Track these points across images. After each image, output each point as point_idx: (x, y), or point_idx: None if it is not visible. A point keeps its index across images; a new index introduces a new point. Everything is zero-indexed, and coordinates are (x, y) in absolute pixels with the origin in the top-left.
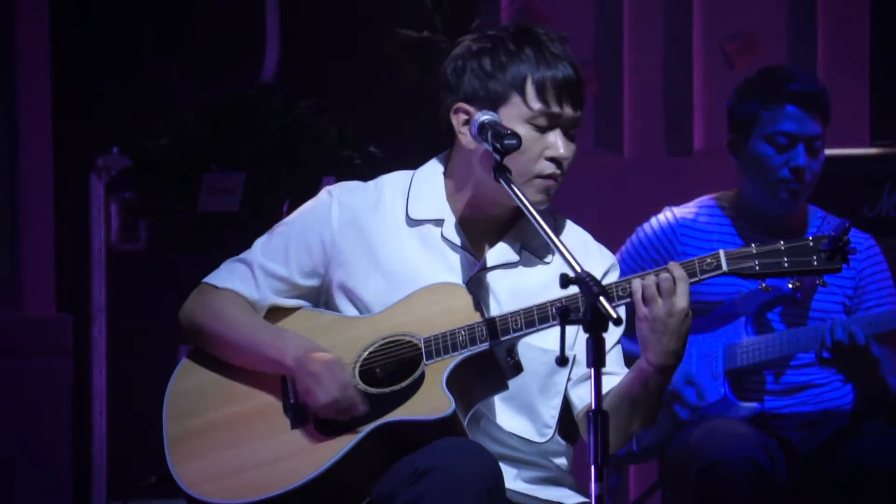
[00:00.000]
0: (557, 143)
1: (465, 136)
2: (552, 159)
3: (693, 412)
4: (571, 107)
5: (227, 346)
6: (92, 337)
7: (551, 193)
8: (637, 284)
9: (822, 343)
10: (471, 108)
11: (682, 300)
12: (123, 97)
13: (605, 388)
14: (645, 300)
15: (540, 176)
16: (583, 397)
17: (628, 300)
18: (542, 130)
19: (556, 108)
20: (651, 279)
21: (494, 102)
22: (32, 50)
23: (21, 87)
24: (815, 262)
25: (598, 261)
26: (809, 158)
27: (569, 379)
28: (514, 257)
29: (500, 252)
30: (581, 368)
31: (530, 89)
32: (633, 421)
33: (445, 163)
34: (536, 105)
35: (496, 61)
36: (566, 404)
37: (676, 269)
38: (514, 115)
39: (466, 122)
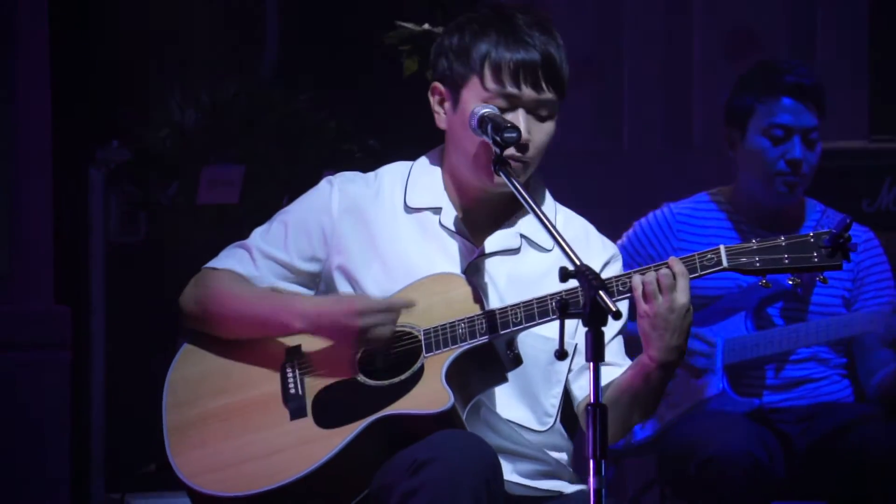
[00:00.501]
0: (519, 123)
1: (439, 115)
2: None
3: (708, 359)
4: (532, 87)
5: (232, 322)
6: (91, 330)
7: (518, 175)
8: (637, 280)
9: (889, 330)
10: (442, 88)
11: (682, 296)
12: (123, 90)
13: (606, 379)
14: (645, 296)
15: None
16: (583, 388)
17: (629, 295)
18: (502, 112)
19: (512, 89)
20: (651, 275)
21: (458, 83)
22: (31, 44)
23: (20, 80)
24: (816, 259)
25: (600, 251)
26: (806, 150)
27: (571, 369)
28: (514, 244)
29: (499, 239)
30: (582, 358)
31: (487, 70)
32: (633, 413)
33: (443, 152)
34: (491, 86)
35: (462, 42)
36: (567, 395)
37: (676, 264)
38: (473, 96)
39: (441, 103)
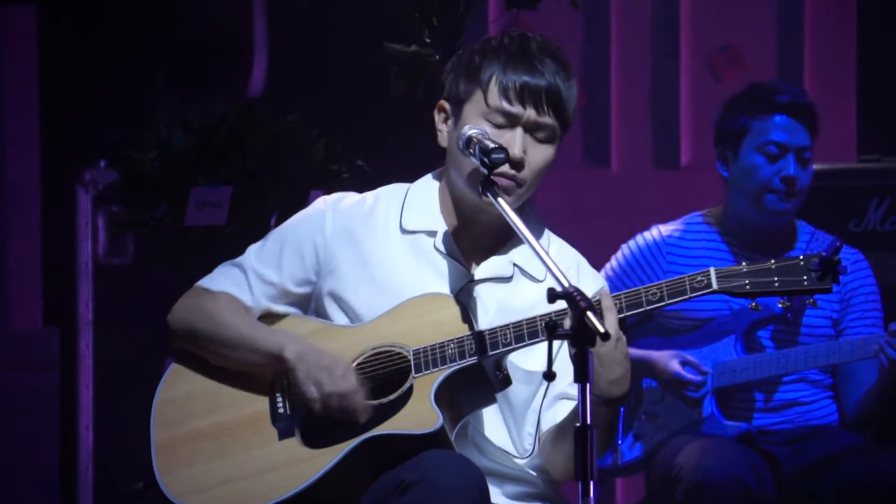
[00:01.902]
0: (515, 140)
1: (441, 134)
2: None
3: (700, 388)
4: (534, 108)
5: (220, 346)
6: (79, 351)
7: (511, 194)
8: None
9: (886, 355)
10: (447, 106)
11: (610, 330)
12: (110, 111)
13: (567, 411)
14: None
15: (494, 174)
16: (551, 418)
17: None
18: (500, 128)
19: (515, 108)
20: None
21: (462, 99)
22: (19, 63)
23: (8, 100)
24: (806, 282)
25: (590, 284)
26: (799, 169)
27: (545, 395)
28: (506, 272)
29: (491, 266)
30: (555, 388)
31: (493, 86)
32: None
33: (442, 175)
34: (493, 101)
35: (473, 60)
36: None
37: (605, 298)
38: (474, 111)
39: (445, 121)
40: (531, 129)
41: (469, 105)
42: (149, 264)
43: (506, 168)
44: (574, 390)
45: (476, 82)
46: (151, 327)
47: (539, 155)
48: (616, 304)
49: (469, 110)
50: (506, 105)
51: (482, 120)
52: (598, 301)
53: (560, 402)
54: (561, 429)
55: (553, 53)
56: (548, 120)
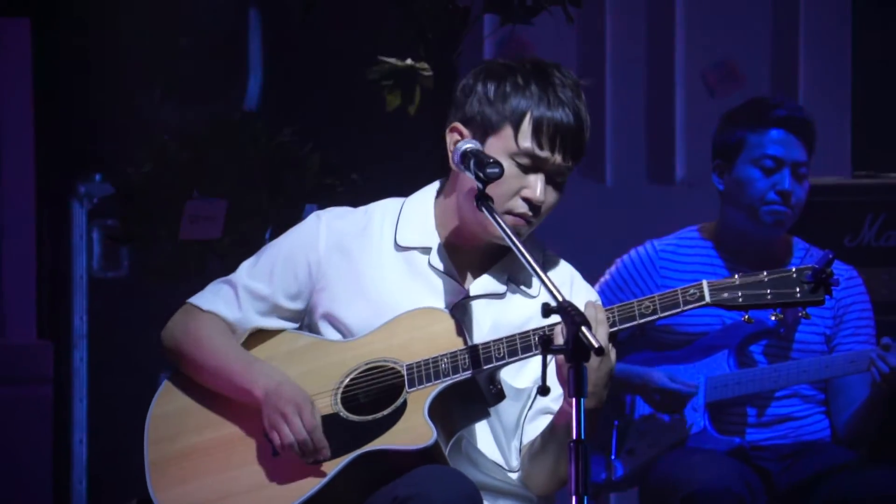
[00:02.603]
0: (537, 185)
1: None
2: (527, 200)
3: (690, 399)
4: (562, 154)
5: (201, 370)
6: (73, 364)
7: (521, 233)
8: (558, 329)
9: (878, 368)
10: (465, 130)
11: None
12: (106, 124)
13: (542, 427)
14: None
15: (511, 213)
16: (528, 433)
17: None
18: (526, 170)
19: (545, 153)
20: (557, 329)
21: (487, 129)
22: (14, 77)
23: (3, 113)
24: (799, 294)
25: (584, 298)
26: (794, 183)
27: (529, 408)
28: (500, 289)
29: (485, 282)
30: (540, 402)
31: (526, 126)
32: (560, 463)
33: (438, 190)
34: (525, 144)
35: (500, 90)
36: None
37: (598, 312)
38: (501, 148)
39: (458, 143)
40: (553, 173)
41: (495, 139)
42: (143, 278)
43: (525, 210)
44: (555, 405)
45: (506, 117)
46: (146, 341)
47: (552, 197)
48: (609, 318)
49: (495, 142)
50: (536, 150)
51: (505, 157)
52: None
53: (541, 416)
54: (538, 443)
55: (575, 88)
56: (570, 163)
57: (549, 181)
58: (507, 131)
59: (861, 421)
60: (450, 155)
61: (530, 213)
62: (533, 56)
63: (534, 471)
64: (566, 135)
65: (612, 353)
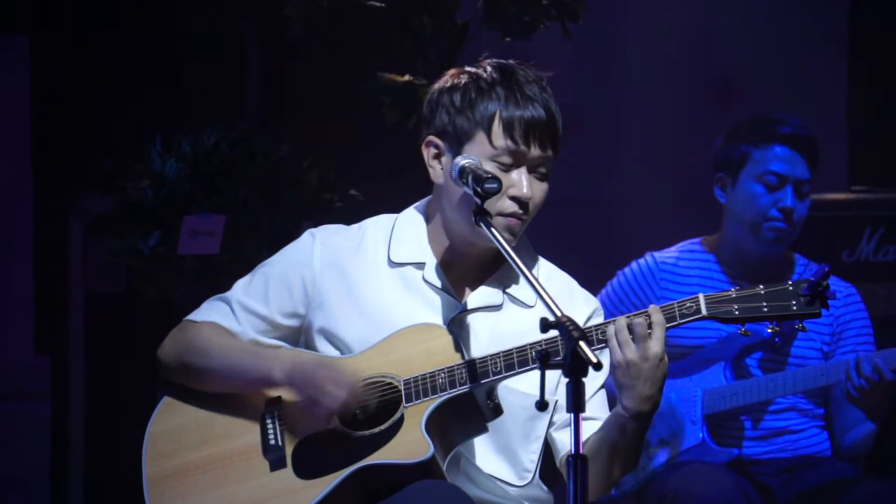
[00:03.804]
0: (522, 181)
1: (434, 170)
2: (515, 198)
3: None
4: (539, 146)
5: (211, 375)
6: (70, 379)
7: (516, 232)
8: (611, 330)
9: (848, 378)
10: (440, 143)
11: (656, 345)
12: (104, 140)
13: (587, 433)
14: (619, 345)
15: (502, 214)
16: (565, 442)
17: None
18: (507, 168)
19: (521, 147)
20: (622, 322)
21: (461, 138)
22: (12, 93)
23: (0, 129)
24: (795, 307)
25: (582, 305)
26: (797, 200)
27: (552, 423)
28: (497, 300)
29: (481, 295)
30: (563, 413)
31: (496, 127)
32: (614, 467)
33: (426, 206)
34: (500, 143)
35: (466, 98)
36: (548, 449)
37: (656, 313)
38: (479, 153)
39: (437, 157)
40: (535, 165)
41: (471, 145)
42: (141, 293)
43: (515, 209)
44: (594, 412)
45: (476, 122)
46: (143, 356)
47: (540, 191)
48: (667, 315)
49: (471, 150)
50: (511, 145)
51: (487, 161)
52: (648, 314)
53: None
54: (590, 449)
55: (540, 83)
56: (549, 153)
57: (533, 174)
58: (481, 136)
59: (866, 445)
60: (429, 171)
61: (521, 211)
62: (493, 59)
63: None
64: (537, 126)
65: (665, 360)
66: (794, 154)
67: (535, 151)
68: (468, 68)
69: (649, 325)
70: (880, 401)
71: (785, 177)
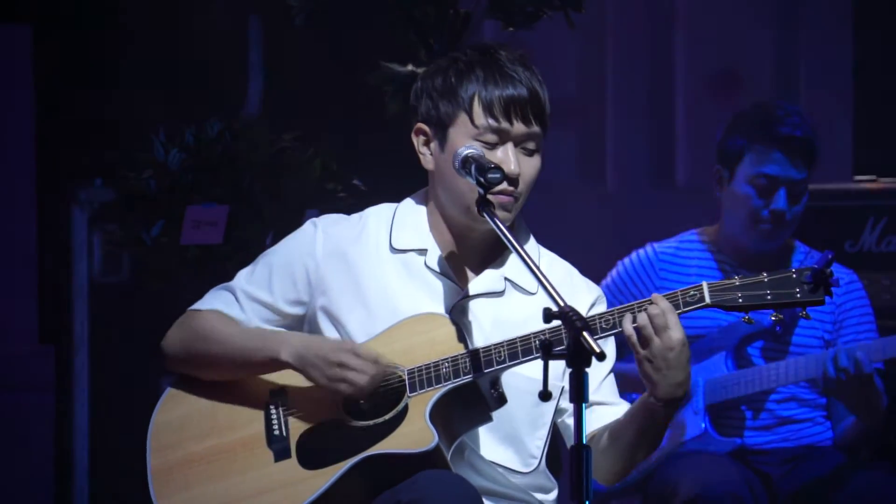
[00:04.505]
0: (508, 157)
1: (425, 157)
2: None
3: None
4: (522, 121)
5: (217, 362)
6: (74, 370)
7: (510, 209)
8: (630, 329)
9: (825, 372)
10: (427, 129)
11: (676, 331)
12: (106, 129)
13: (603, 420)
14: (642, 342)
15: (492, 192)
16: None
17: (614, 332)
18: (492, 147)
19: (503, 124)
20: (644, 318)
21: (445, 122)
22: (14, 82)
23: (3, 118)
24: (799, 295)
25: (584, 293)
26: (790, 202)
27: (563, 410)
28: (499, 287)
29: (484, 281)
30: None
31: (476, 107)
32: (639, 450)
33: (425, 195)
34: (481, 121)
35: (447, 82)
36: (554, 438)
37: (661, 301)
38: (463, 134)
39: (426, 143)
40: (520, 141)
41: (454, 128)
42: (144, 283)
43: (504, 185)
44: (606, 397)
45: (457, 104)
46: (147, 346)
47: (530, 167)
48: (610, 320)
49: (456, 133)
50: (493, 122)
51: (472, 141)
52: (654, 302)
53: (594, 408)
54: (613, 433)
55: (523, 61)
56: (535, 129)
57: (522, 150)
58: (463, 117)
59: (855, 438)
60: (420, 157)
61: (511, 188)
62: (477, 42)
63: (600, 462)
64: (518, 102)
65: (687, 344)
66: (789, 157)
67: (518, 127)
68: (451, 54)
69: (663, 314)
70: (859, 393)
71: (778, 179)
